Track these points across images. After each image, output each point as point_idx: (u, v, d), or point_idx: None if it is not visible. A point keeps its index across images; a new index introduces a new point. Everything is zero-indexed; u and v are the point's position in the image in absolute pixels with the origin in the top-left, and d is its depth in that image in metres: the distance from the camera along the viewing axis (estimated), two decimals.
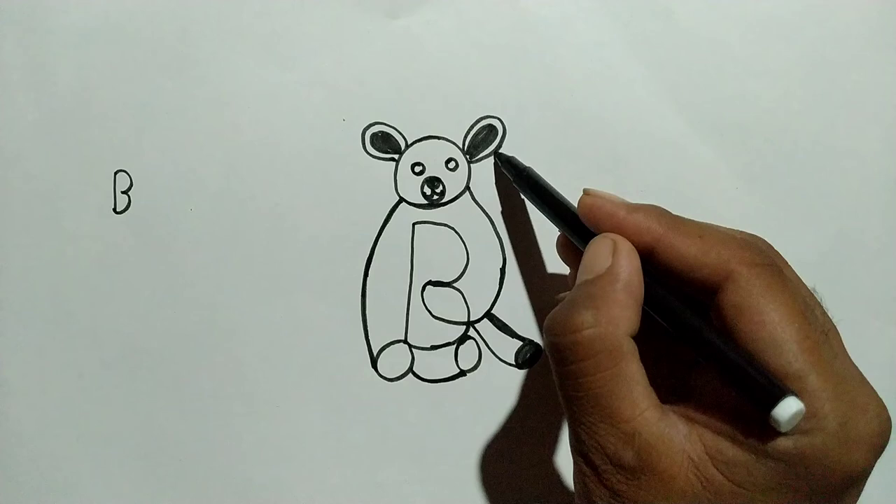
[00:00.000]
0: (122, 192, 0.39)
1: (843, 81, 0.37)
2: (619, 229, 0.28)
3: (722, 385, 0.26)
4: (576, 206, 0.31)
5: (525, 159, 0.37)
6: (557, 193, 0.34)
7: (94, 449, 0.40)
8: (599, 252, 0.28)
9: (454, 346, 0.39)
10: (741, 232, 0.29)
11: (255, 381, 0.39)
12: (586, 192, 0.30)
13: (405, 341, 0.38)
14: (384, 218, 0.38)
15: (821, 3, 0.37)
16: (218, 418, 0.39)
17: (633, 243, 0.28)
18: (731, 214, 0.37)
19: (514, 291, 0.38)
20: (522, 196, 0.37)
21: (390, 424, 0.38)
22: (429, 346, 0.38)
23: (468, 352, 0.38)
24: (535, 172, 0.35)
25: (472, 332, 0.38)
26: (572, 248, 0.32)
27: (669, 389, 0.28)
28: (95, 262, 0.39)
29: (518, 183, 0.36)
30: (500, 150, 0.38)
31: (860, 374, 0.26)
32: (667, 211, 0.29)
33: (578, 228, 0.31)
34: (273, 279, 0.39)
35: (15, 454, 0.40)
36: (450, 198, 0.38)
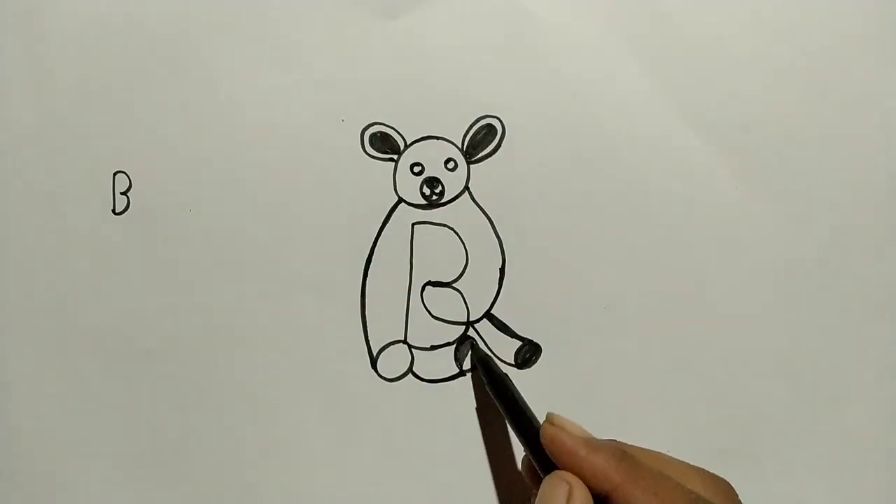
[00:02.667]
0: (121, 193, 0.39)
1: (843, 81, 0.37)
2: (577, 469, 0.28)
3: None
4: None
5: (525, 158, 0.37)
6: (528, 410, 0.33)
7: (94, 449, 0.40)
8: (555, 496, 0.28)
9: (454, 346, 0.39)
10: (705, 476, 0.29)
11: (255, 381, 0.39)
12: (549, 420, 0.30)
13: (405, 341, 0.38)
14: (383, 218, 0.38)
15: (821, 3, 0.37)
16: (218, 418, 0.39)
17: (589, 486, 0.28)
18: (731, 214, 0.37)
19: (513, 291, 0.38)
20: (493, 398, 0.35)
21: (390, 424, 0.38)
22: (428, 346, 0.39)
23: (467, 352, 0.39)
24: (511, 382, 0.35)
25: (471, 333, 0.38)
26: (535, 471, 0.31)
27: None
28: (95, 263, 0.39)
29: (491, 389, 0.35)
30: (477, 346, 0.38)
31: None
32: (628, 454, 0.28)
33: (541, 454, 0.30)
34: (272, 280, 0.39)
35: (15, 454, 0.40)
36: (449, 198, 0.38)
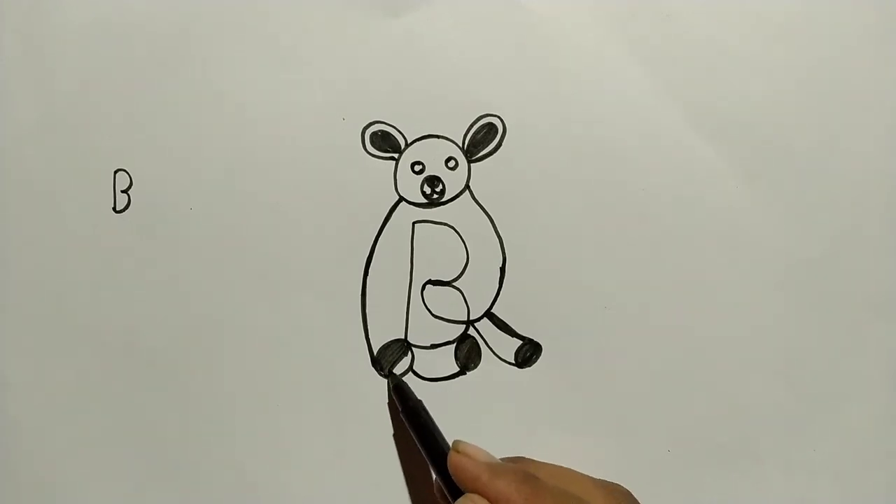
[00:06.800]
0: (122, 192, 0.39)
1: (843, 81, 0.37)
2: (482, 494, 0.30)
3: None
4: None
5: (526, 157, 0.37)
6: (440, 437, 0.34)
7: (94, 449, 0.40)
8: None
9: (454, 344, 0.39)
10: (607, 490, 0.31)
11: (255, 379, 0.39)
12: (455, 448, 0.32)
13: (405, 340, 0.39)
14: (384, 217, 0.38)
15: (821, 3, 0.37)
16: (217, 417, 0.39)
17: None
18: (731, 214, 0.37)
19: (514, 290, 0.38)
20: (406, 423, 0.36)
21: (390, 423, 0.38)
22: (428, 344, 0.39)
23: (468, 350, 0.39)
24: (424, 408, 0.36)
25: (471, 331, 0.38)
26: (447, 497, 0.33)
27: None
28: (95, 262, 0.39)
29: (404, 416, 0.36)
30: (394, 374, 0.38)
31: None
32: (530, 475, 0.30)
33: (450, 479, 0.32)
34: (273, 278, 0.39)
35: (15, 454, 0.40)
36: (450, 197, 0.38)
